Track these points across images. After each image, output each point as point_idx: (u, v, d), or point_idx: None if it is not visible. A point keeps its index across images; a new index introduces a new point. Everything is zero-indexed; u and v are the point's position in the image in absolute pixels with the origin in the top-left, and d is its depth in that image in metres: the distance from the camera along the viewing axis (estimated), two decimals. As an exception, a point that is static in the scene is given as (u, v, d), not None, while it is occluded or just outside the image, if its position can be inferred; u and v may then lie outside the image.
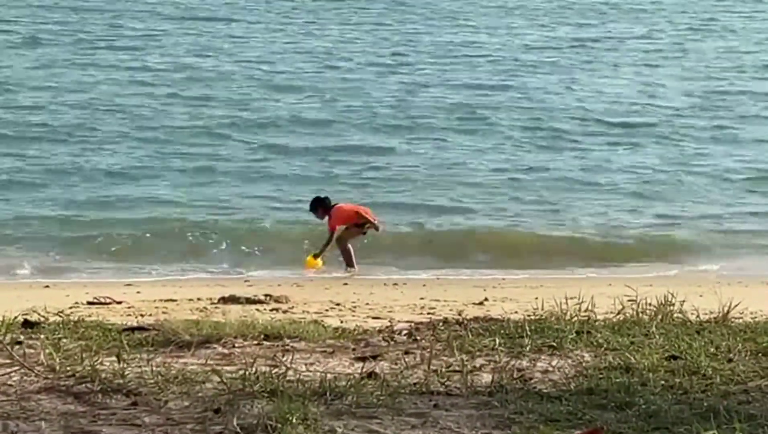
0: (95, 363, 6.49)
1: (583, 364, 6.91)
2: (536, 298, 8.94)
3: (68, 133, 26.52)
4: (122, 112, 28.48)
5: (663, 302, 8.42)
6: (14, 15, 39.97)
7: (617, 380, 6.43)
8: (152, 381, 6.27)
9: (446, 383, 6.44)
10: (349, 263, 18.63)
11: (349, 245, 18.74)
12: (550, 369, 6.83)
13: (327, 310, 12.68)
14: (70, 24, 39.43)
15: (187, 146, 25.93)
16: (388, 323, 8.94)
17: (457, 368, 6.71)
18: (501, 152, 26.50)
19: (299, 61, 35.23)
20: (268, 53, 36.35)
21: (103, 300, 13.11)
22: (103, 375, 6.32)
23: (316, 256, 18.53)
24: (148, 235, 19.77)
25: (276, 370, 6.49)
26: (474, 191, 23.19)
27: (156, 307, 12.85)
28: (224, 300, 13.48)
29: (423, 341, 7.55)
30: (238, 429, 5.50)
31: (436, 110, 29.79)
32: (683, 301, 8.50)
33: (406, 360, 6.91)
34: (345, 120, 28.64)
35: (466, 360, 6.84)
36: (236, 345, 7.35)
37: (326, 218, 18.73)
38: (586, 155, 26.55)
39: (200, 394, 6.11)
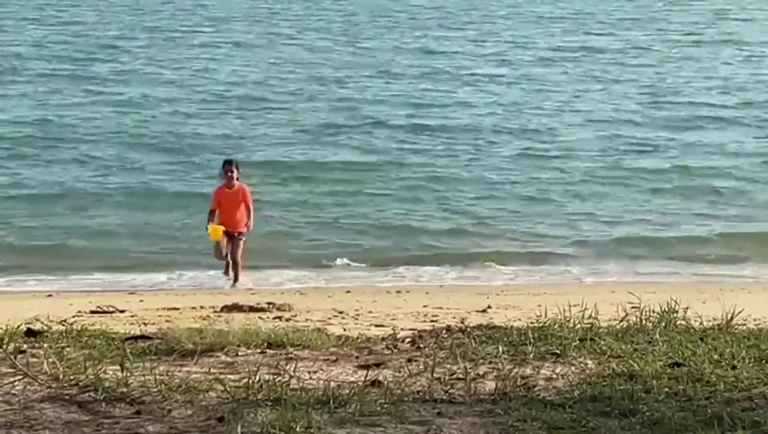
0: (99, 372, 6.49)
1: (587, 371, 6.90)
2: (539, 305, 8.92)
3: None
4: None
5: (666, 309, 8.41)
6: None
7: (621, 387, 6.42)
8: (156, 390, 6.27)
9: (449, 391, 6.44)
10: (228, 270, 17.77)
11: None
12: (554, 376, 6.82)
13: (330, 318, 12.68)
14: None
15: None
16: (391, 331, 8.93)
17: (460, 376, 6.71)
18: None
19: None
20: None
21: (106, 309, 13.12)
22: (107, 384, 6.31)
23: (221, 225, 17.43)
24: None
25: (279, 378, 6.48)
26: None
27: (159, 316, 12.86)
28: (227, 309, 13.48)
29: (426, 349, 7.55)
30: (242, 438, 5.50)
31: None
32: (686, 308, 8.49)
33: (410, 367, 6.91)
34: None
35: (470, 368, 6.83)
36: (239, 353, 7.35)
37: (236, 179, 17.63)
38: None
39: (204, 403, 6.11)
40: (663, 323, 8.22)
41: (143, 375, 6.50)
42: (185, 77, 34.94)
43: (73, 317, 11.24)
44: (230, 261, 17.58)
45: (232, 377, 6.62)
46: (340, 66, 37.16)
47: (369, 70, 36.49)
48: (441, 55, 39.18)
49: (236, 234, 17.48)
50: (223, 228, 17.28)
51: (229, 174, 17.59)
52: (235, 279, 17.65)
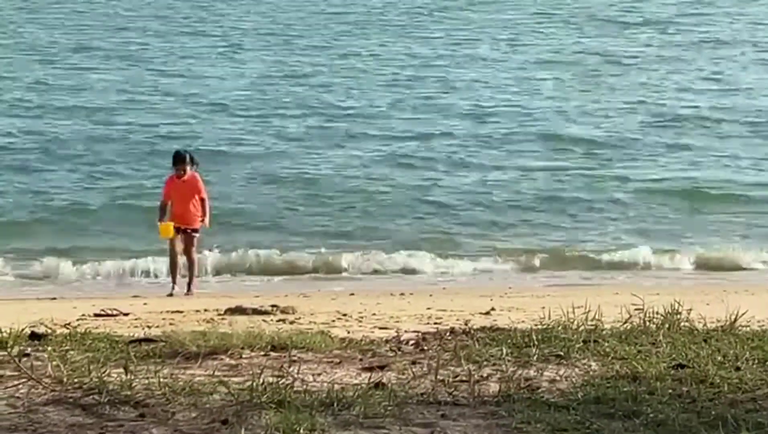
0: (103, 375, 6.49)
1: (590, 373, 6.90)
2: (543, 307, 8.93)
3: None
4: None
5: (670, 310, 8.40)
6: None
7: (624, 389, 6.42)
8: (160, 393, 6.27)
9: (453, 393, 6.44)
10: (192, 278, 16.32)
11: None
12: (558, 378, 6.82)
13: (334, 320, 12.66)
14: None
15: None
16: (395, 334, 8.94)
17: (464, 378, 6.71)
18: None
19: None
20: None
21: (110, 312, 13.10)
22: (111, 387, 6.32)
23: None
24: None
25: (283, 381, 6.49)
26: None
27: (163, 318, 12.84)
28: (231, 311, 13.45)
29: (430, 351, 7.55)
30: (246, 440, 5.50)
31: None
32: (690, 309, 8.49)
33: (414, 370, 6.91)
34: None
35: (474, 370, 6.84)
36: (243, 355, 7.35)
37: (192, 173, 16.25)
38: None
39: (208, 405, 6.11)
40: (666, 325, 8.22)
41: (147, 378, 6.51)
42: (177, 83, 34.89)
43: (77, 320, 11.24)
44: (186, 262, 16.30)
45: (235, 379, 6.63)
46: (335, 72, 37.09)
47: (366, 77, 36.46)
48: (440, 58, 39.13)
49: (189, 231, 16.24)
50: (173, 224, 15.94)
51: (181, 172, 16.12)
52: (189, 283, 16.41)
